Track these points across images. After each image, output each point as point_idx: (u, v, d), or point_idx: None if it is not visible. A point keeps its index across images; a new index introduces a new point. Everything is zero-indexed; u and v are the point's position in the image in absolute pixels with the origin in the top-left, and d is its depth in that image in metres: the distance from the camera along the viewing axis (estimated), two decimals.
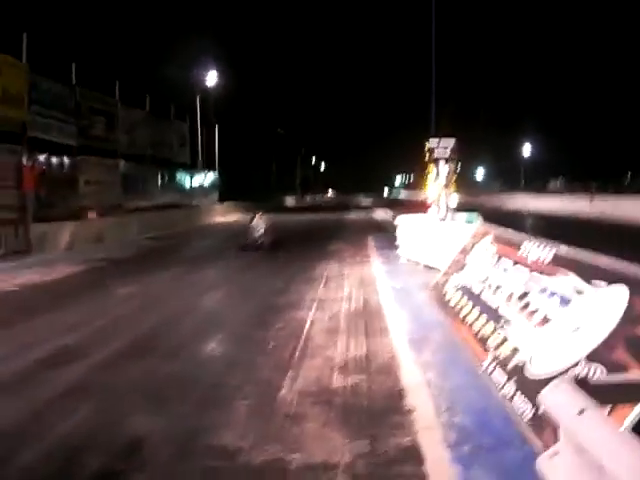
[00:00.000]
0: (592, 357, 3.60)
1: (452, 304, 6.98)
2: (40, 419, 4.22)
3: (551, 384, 1.94)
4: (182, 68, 35.47)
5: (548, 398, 1.89)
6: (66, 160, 18.22)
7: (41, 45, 18.14)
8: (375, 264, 12.28)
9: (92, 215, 19.31)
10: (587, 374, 3.45)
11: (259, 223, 15.72)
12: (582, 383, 1.88)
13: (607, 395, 1.91)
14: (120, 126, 22.76)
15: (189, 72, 34.62)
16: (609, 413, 2.25)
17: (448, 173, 12.29)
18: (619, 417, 2.42)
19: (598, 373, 3.42)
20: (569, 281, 4.44)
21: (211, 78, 35.74)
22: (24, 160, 15.48)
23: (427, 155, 12.45)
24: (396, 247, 12.87)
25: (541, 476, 2.64)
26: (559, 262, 4.85)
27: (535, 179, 68.56)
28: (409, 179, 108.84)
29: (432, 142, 12.46)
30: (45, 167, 16.70)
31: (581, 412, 1.69)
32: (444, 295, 7.51)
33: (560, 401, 1.80)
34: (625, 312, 3.59)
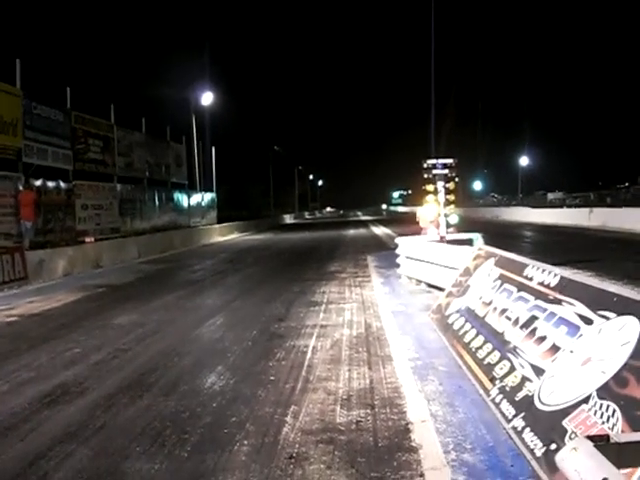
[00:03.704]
0: (603, 392, 3.49)
1: (455, 327, 6.85)
2: (35, 464, 4.08)
3: (569, 446, 1.82)
4: (178, 89, 35.67)
5: (565, 464, 1.78)
6: (62, 185, 18.18)
7: (35, 70, 18.23)
8: (376, 284, 12.17)
9: (89, 240, 19.24)
10: (601, 414, 3.35)
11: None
12: (602, 445, 1.76)
13: (630, 456, 1.79)
14: (116, 149, 22.75)
15: (185, 93, 34.73)
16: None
17: (447, 192, 12.17)
18: None
19: (610, 412, 3.32)
20: (576, 310, 4.32)
21: (207, 98, 35.74)
22: (20, 187, 15.42)
23: (425, 175, 12.34)
24: (396, 265, 12.77)
25: None
26: (565, 289, 4.73)
27: (532, 189, 68.87)
28: (407, 194, 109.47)
29: (430, 162, 12.36)
30: (40, 193, 16.62)
31: None
32: (447, 318, 7.38)
33: (579, 468, 1.68)
34: (637, 345, 3.48)
